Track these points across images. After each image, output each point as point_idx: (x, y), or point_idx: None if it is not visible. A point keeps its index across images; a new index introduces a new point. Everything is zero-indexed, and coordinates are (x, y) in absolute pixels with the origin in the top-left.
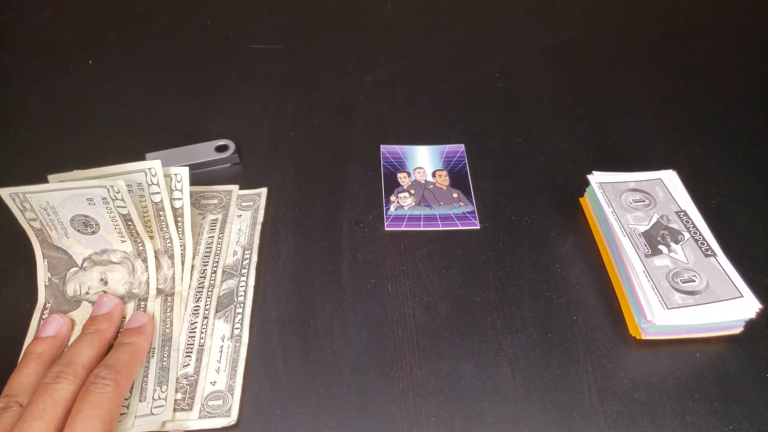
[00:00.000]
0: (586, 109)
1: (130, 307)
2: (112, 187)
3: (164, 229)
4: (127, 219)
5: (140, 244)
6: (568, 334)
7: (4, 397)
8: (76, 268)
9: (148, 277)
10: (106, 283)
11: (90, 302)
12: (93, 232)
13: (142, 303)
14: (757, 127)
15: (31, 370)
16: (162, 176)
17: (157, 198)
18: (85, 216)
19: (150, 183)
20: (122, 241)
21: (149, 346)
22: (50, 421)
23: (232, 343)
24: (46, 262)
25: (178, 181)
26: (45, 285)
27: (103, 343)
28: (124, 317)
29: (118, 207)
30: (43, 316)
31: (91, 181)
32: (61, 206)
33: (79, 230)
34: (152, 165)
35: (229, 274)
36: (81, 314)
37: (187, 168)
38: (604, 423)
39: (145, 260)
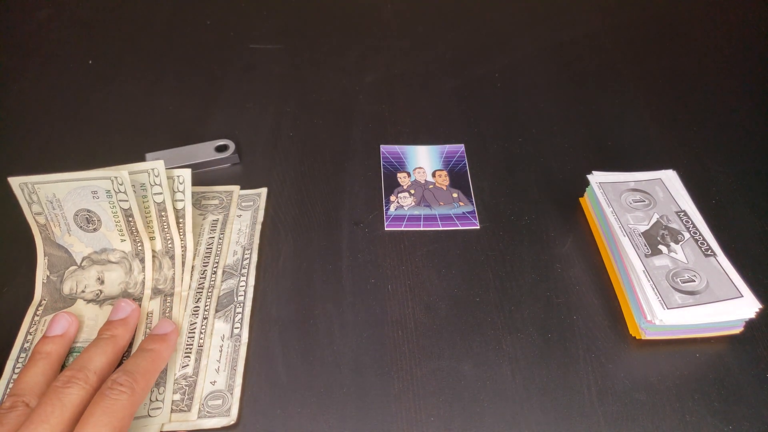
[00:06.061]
0: (586, 109)
1: (156, 306)
2: (116, 178)
3: (166, 229)
4: (128, 214)
5: (139, 244)
6: (568, 334)
7: (10, 396)
8: (75, 267)
9: (144, 278)
10: (102, 282)
11: (84, 300)
12: (94, 229)
13: (137, 303)
14: (757, 127)
15: (39, 369)
16: (165, 177)
17: (159, 198)
18: (88, 211)
19: (153, 183)
20: (122, 240)
21: (170, 355)
22: (57, 426)
23: (231, 342)
24: (46, 260)
25: (181, 183)
26: (42, 282)
27: (117, 350)
28: (150, 323)
29: (120, 200)
30: (37, 313)
31: (97, 172)
32: (66, 199)
33: (81, 227)
34: (155, 165)
35: (229, 274)
36: (75, 312)
37: (189, 170)
38: (604, 423)
39: (142, 260)
